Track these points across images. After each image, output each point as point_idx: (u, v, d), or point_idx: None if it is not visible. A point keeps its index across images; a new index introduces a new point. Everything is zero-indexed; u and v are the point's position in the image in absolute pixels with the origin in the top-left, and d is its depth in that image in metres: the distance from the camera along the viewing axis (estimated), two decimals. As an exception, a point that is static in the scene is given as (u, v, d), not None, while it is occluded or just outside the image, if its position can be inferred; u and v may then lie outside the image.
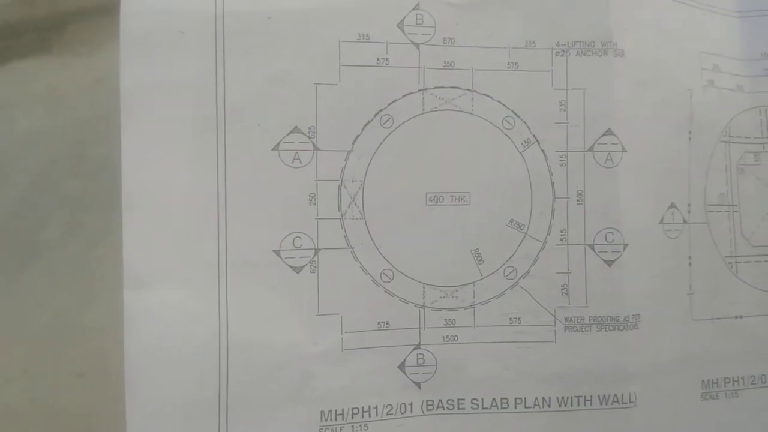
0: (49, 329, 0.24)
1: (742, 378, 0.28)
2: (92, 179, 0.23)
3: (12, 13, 0.27)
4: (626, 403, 0.26)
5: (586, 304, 0.26)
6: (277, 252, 0.24)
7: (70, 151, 0.25)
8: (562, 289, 0.26)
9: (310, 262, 0.24)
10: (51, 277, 0.24)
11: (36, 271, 0.25)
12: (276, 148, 0.24)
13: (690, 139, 0.28)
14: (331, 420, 0.24)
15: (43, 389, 0.24)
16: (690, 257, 0.27)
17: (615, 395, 0.26)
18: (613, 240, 0.26)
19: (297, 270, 0.24)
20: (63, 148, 0.25)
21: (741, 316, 0.28)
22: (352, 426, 0.25)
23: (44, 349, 0.24)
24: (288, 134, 0.24)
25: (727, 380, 0.28)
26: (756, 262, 0.28)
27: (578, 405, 0.26)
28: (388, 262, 0.25)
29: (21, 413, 0.25)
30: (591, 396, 0.26)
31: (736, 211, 0.28)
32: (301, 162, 0.25)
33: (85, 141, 0.23)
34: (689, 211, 0.27)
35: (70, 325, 0.25)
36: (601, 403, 0.26)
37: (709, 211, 0.28)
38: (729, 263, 0.28)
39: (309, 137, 0.25)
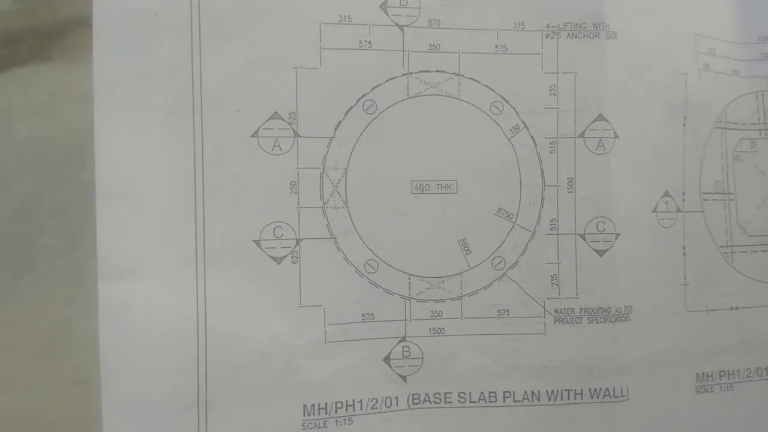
0: (48, 337, 0.24)
1: (738, 371, 0.27)
2: (92, 187, 0.22)
3: (12, 20, 0.26)
4: (618, 396, 0.25)
5: (577, 295, 0.25)
6: (257, 242, 0.24)
7: (70, 158, 0.24)
8: (552, 279, 0.25)
9: (291, 253, 0.24)
10: (50, 284, 0.24)
11: (35, 279, 0.25)
12: (255, 134, 0.24)
13: (685, 124, 0.27)
14: (314, 414, 0.24)
15: (42, 397, 0.24)
16: (684, 247, 0.27)
17: (606, 388, 0.25)
18: (605, 229, 0.25)
19: (278, 260, 0.24)
20: (63, 155, 0.25)
21: (737, 308, 0.27)
22: (336, 420, 0.24)
23: (43, 356, 0.24)
24: (267, 120, 0.24)
25: (722, 373, 0.27)
26: (752, 252, 0.28)
27: (568, 398, 0.25)
28: (373, 253, 0.24)
29: (20, 421, 0.24)
30: (582, 389, 0.25)
31: (732, 200, 0.28)
32: (281, 149, 0.24)
33: (86, 149, 0.22)
34: (684, 200, 0.27)
35: (69, 332, 0.24)
36: (592, 397, 0.25)
37: (704, 200, 0.27)
38: (725, 253, 0.27)
39: (289, 123, 0.24)
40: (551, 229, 0.25)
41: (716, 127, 0.28)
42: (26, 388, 0.24)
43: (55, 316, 0.23)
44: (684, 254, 0.27)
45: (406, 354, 0.25)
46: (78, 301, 0.24)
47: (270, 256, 0.24)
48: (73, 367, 0.24)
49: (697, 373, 0.27)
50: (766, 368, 0.28)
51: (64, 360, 0.24)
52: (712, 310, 0.27)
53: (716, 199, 0.27)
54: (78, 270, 0.24)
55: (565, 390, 0.25)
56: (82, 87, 0.23)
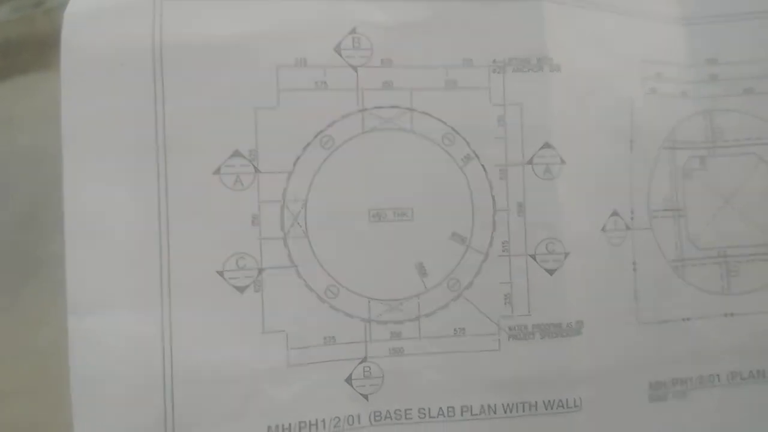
0: (52, 345, 0.24)
1: (690, 379, 0.28)
2: None
3: (12, 30, 0.27)
4: (571, 407, 0.27)
5: (529, 312, 0.27)
6: (220, 273, 0.25)
7: None
8: (506, 298, 0.27)
9: (254, 282, 0.25)
10: (54, 292, 0.24)
11: (38, 287, 0.26)
12: (217, 171, 0.25)
13: (631, 147, 0.28)
14: None
15: (45, 405, 0.25)
16: (635, 262, 0.28)
17: (560, 400, 0.27)
18: (554, 249, 0.27)
19: (241, 290, 0.25)
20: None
21: (688, 318, 0.28)
22: None
23: (47, 364, 0.25)
24: (229, 158, 0.25)
25: (675, 381, 0.28)
26: (702, 264, 0.29)
27: (523, 411, 0.27)
28: (333, 278, 0.26)
29: (22, 429, 0.25)
30: (536, 402, 0.27)
31: (683, 215, 0.29)
32: (242, 185, 0.25)
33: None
34: (632, 218, 0.28)
35: None
36: (546, 408, 0.27)
37: (654, 217, 0.29)
38: (675, 267, 0.29)
39: (250, 160, 0.25)
40: (503, 251, 0.27)
41: (664, 147, 0.29)
42: (29, 397, 0.25)
43: (58, 324, 0.24)
44: (634, 269, 0.28)
45: (367, 374, 0.26)
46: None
47: (233, 285, 0.25)
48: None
49: (650, 382, 0.28)
50: (717, 375, 0.29)
51: (67, 368, 0.24)
52: (664, 322, 0.28)
53: (666, 216, 0.29)
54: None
55: (521, 403, 0.27)
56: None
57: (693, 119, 0.29)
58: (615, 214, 0.28)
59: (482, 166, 0.27)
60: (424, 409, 0.26)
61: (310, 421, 0.25)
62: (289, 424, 0.25)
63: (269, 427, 0.25)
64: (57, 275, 0.24)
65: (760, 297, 0.29)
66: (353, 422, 0.26)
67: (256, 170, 0.25)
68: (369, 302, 0.26)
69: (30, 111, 0.26)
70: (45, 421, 0.25)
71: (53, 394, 0.24)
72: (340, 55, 0.26)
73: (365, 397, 0.26)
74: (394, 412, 0.26)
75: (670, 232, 0.29)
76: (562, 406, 0.27)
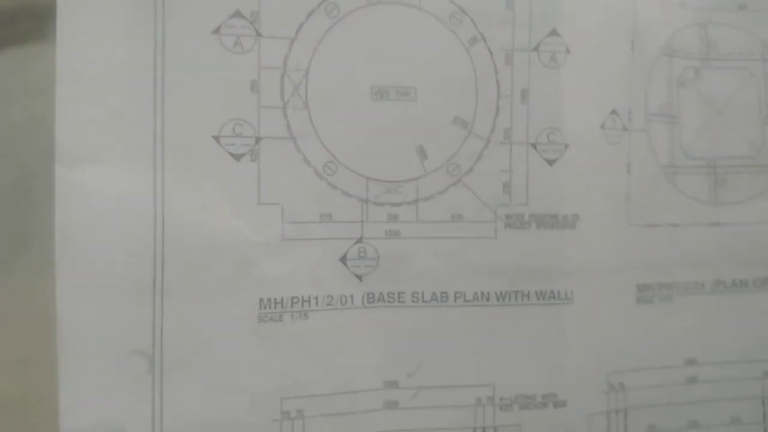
0: (43, 319, 0.23)
1: (677, 284, 0.29)
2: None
3: (9, 0, 0.26)
4: (562, 299, 0.27)
5: (527, 202, 0.26)
6: (216, 138, 0.24)
7: None
8: (504, 186, 0.26)
9: (250, 151, 0.24)
10: (45, 266, 0.23)
11: (29, 261, 0.25)
12: (216, 31, 0.24)
13: (633, 48, 0.28)
14: (270, 308, 0.24)
15: (35, 379, 0.24)
16: (629, 164, 0.28)
17: (552, 291, 0.27)
18: (555, 140, 0.27)
19: (237, 158, 0.24)
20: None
21: (677, 225, 0.29)
22: (292, 314, 0.24)
23: (39, 338, 0.24)
24: (229, 18, 0.24)
25: (661, 285, 0.28)
26: (692, 173, 0.29)
27: (516, 300, 0.26)
28: (331, 155, 0.25)
29: (11, 402, 0.24)
30: (529, 291, 0.26)
31: (676, 123, 0.29)
32: (242, 47, 0.24)
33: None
34: (630, 119, 0.28)
35: None
36: (538, 299, 0.26)
37: (649, 121, 0.29)
38: (667, 173, 0.29)
39: (251, 22, 0.24)
40: (505, 139, 0.26)
41: (663, 54, 0.29)
42: (19, 370, 0.24)
43: (49, 298, 0.23)
44: (628, 171, 0.28)
45: (362, 254, 0.25)
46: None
47: (229, 152, 0.24)
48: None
49: (638, 284, 0.28)
50: (702, 283, 0.29)
51: (56, 343, 0.23)
52: (654, 226, 0.28)
53: (661, 121, 0.29)
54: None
55: (513, 292, 0.26)
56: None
57: (689, 29, 0.29)
58: (614, 112, 0.28)
59: (488, 49, 0.26)
60: (417, 293, 0.26)
61: (302, 297, 0.25)
62: (282, 298, 0.24)
63: (261, 300, 0.24)
64: (48, 247, 0.23)
65: (745, 208, 0.30)
66: (346, 302, 0.25)
67: (258, 33, 0.24)
68: (367, 182, 0.25)
69: (25, 83, 0.25)
70: (33, 394, 0.24)
71: (45, 366, 0.23)
72: None
73: (359, 277, 0.25)
74: (387, 295, 0.26)
75: (664, 138, 0.29)
76: (554, 297, 0.27)
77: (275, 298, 0.24)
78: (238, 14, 0.24)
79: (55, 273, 0.22)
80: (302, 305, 0.25)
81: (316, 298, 0.25)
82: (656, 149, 0.29)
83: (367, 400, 0.25)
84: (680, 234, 0.29)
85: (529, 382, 0.26)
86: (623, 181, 0.28)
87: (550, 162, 0.27)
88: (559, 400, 0.27)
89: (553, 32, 0.26)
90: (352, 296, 0.25)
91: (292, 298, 0.25)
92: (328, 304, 0.25)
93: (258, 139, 0.24)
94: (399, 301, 0.26)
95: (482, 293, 0.26)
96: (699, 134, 0.29)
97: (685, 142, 0.29)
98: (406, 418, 0.26)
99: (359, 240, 0.25)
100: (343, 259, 0.25)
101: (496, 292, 0.26)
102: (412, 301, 0.26)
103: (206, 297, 0.24)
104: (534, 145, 0.26)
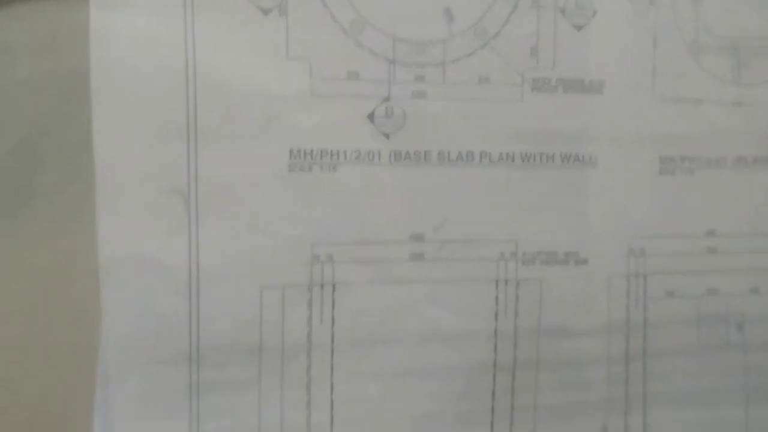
0: (48, 269, 0.24)
1: (699, 158, 0.29)
2: (91, 124, 0.23)
3: None
4: (587, 162, 0.27)
5: (554, 66, 0.26)
6: None
7: (69, 95, 0.24)
8: (531, 51, 0.26)
9: (278, 5, 0.24)
10: (50, 220, 0.24)
11: (34, 214, 0.25)
12: None
13: None
14: (300, 158, 0.25)
15: (41, 328, 0.24)
16: (655, 38, 0.28)
17: (576, 154, 0.27)
18: (583, 5, 0.27)
19: (265, 12, 0.24)
20: (62, 92, 0.24)
21: (701, 101, 0.29)
22: (321, 166, 0.25)
23: (43, 287, 0.24)
24: None
25: (684, 158, 0.29)
26: (716, 53, 0.29)
27: (540, 161, 0.27)
28: (358, 13, 0.25)
29: (18, 351, 0.25)
30: (553, 154, 0.27)
31: (701, 2, 0.29)
32: None
33: (86, 87, 0.23)
34: None
35: (67, 266, 0.25)
36: (562, 161, 0.27)
37: None
38: (691, 50, 0.29)
39: None
40: (533, 3, 0.26)
41: None
42: (25, 319, 0.25)
43: (53, 250, 0.23)
44: (654, 45, 0.28)
45: (389, 113, 0.26)
46: (76, 236, 0.24)
47: (257, 6, 0.24)
48: (72, 300, 0.24)
49: (661, 156, 0.28)
50: (725, 158, 0.29)
51: (65, 291, 0.24)
52: (678, 100, 0.28)
53: None
54: (77, 206, 0.24)
55: (538, 153, 0.27)
56: (85, 24, 0.23)
57: None
58: None
59: None
60: (443, 152, 0.26)
61: (331, 151, 0.25)
62: (311, 150, 0.25)
63: (291, 150, 0.25)
64: (53, 205, 0.23)
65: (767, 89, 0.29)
66: (373, 158, 0.26)
67: None
68: (394, 42, 0.26)
69: (30, 40, 0.25)
70: (39, 344, 0.25)
71: (50, 314, 0.24)
72: None
73: (386, 135, 0.26)
74: (414, 153, 0.26)
75: (689, 16, 0.29)
76: (578, 161, 0.27)
77: (305, 149, 0.25)
78: None
79: (91, 119, 0.22)
80: (331, 158, 0.25)
81: (345, 152, 0.25)
82: (682, 25, 0.28)
83: (394, 251, 0.26)
84: (704, 110, 0.29)
85: (551, 239, 0.27)
86: (649, 55, 0.28)
87: (578, 27, 0.27)
88: (581, 258, 0.27)
89: None
90: (379, 152, 0.26)
91: (321, 150, 0.25)
92: (356, 158, 0.25)
93: None
94: (425, 160, 0.26)
95: (507, 154, 0.26)
96: (724, 13, 0.29)
97: (710, 21, 0.29)
98: (431, 270, 0.26)
99: (386, 99, 0.26)
100: (371, 117, 0.26)
101: (521, 154, 0.27)
102: (438, 160, 0.26)
103: (239, 143, 0.24)
104: (562, 10, 0.26)
